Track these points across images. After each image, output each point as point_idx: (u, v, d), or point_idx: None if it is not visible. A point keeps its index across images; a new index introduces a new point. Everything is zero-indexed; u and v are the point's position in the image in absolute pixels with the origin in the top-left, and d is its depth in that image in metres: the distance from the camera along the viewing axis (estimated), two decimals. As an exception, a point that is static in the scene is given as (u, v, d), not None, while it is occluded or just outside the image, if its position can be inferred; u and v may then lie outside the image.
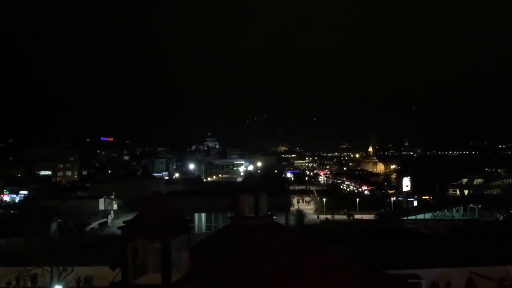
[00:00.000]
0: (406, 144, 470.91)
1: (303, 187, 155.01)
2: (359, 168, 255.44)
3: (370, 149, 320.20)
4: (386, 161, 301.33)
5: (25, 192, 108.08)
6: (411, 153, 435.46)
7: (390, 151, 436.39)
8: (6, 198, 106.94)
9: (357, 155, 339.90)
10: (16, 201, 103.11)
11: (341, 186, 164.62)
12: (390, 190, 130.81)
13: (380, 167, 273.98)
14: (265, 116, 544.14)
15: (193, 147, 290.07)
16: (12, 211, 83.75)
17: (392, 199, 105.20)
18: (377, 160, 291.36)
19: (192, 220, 64.79)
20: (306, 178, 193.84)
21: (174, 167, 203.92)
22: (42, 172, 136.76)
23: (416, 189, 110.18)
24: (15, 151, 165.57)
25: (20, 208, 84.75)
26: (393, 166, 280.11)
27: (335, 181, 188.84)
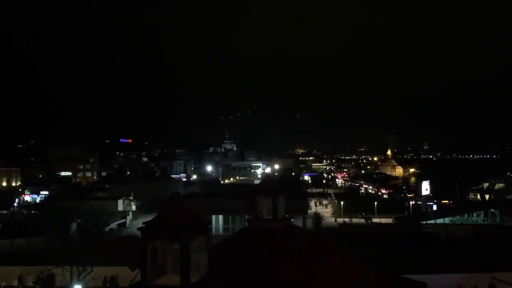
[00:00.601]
0: (426, 147, 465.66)
1: (321, 190, 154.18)
2: (377, 171, 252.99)
3: (389, 152, 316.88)
4: (405, 164, 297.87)
5: (46, 192, 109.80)
6: (431, 156, 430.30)
7: (409, 154, 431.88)
8: (28, 198, 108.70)
9: (375, 158, 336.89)
10: (37, 201, 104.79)
11: (359, 189, 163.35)
12: (409, 194, 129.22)
13: (399, 171, 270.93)
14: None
15: (211, 149, 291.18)
16: (33, 211, 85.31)
17: (411, 203, 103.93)
18: (395, 163, 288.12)
19: (210, 222, 65.00)
20: (324, 181, 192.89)
21: (192, 168, 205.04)
22: (63, 173, 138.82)
23: (435, 193, 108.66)
24: (37, 152, 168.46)
25: (41, 208, 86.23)
26: (412, 170, 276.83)
27: (353, 184, 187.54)
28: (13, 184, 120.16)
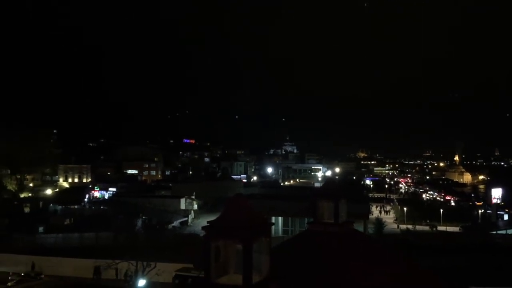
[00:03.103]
0: (497, 153, 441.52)
1: (383, 195, 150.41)
2: (443, 177, 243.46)
3: (456, 157, 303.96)
4: (473, 171, 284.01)
5: (114, 189, 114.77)
6: (502, 163, 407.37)
7: (479, 160, 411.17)
8: (97, 194, 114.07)
9: (441, 164, 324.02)
10: (106, 197, 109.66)
11: (424, 196, 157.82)
12: (477, 202, 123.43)
13: (467, 177, 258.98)
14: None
15: (271, 151, 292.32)
16: (101, 207, 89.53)
17: (479, 211, 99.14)
18: (463, 170, 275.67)
19: (273, 223, 65.22)
20: (386, 186, 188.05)
21: (252, 170, 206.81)
22: (129, 171, 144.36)
23: (507, 201, 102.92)
24: (106, 150, 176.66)
25: (109, 204, 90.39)
26: (481, 177, 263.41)
27: (417, 190, 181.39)
28: (84, 180, 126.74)
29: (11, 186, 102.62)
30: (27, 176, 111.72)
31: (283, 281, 10.94)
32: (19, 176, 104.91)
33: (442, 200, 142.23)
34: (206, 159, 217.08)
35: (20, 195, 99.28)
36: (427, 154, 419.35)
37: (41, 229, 66.79)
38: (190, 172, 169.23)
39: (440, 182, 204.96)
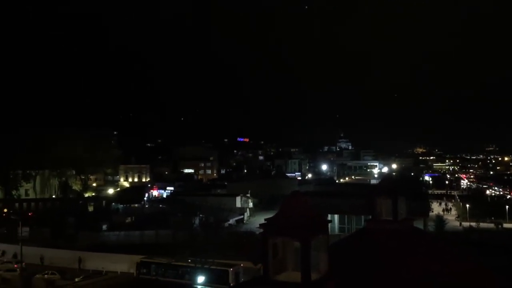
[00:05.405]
0: None
1: (443, 191, 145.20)
2: (508, 172, 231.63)
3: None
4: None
5: (171, 188, 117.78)
6: None
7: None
8: (156, 193, 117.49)
9: (506, 158, 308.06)
10: (164, 196, 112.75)
11: (487, 192, 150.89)
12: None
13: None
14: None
15: (325, 148, 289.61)
16: (160, 205, 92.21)
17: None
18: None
19: (330, 220, 64.64)
20: (446, 182, 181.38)
21: (307, 167, 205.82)
22: (186, 170, 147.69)
23: None
24: (164, 150, 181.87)
25: (167, 203, 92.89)
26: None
27: (480, 185, 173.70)
28: (143, 180, 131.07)
29: (76, 186, 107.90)
30: (91, 177, 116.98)
31: (342, 279, 10.84)
32: (83, 177, 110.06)
33: (508, 196, 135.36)
34: (260, 157, 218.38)
35: (84, 194, 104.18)
36: (490, 148, 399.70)
37: (104, 227, 69.66)
38: (245, 171, 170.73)
39: (505, 177, 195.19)
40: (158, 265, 42.39)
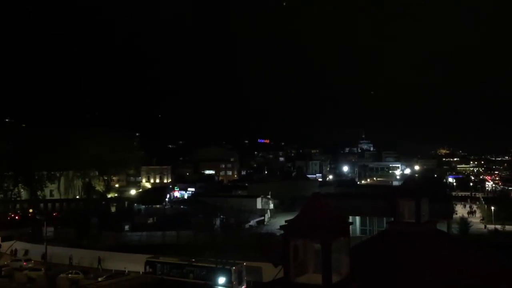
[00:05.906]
0: None
1: (467, 193, 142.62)
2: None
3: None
4: None
5: (193, 189, 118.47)
6: None
7: None
8: (177, 194, 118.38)
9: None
10: (185, 197, 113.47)
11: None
12: None
13: None
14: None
15: (347, 149, 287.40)
16: (181, 206, 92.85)
17: None
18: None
19: (352, 222, 64.23)
20: (471, 184, 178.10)
21: (328, 169, 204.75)
22: (207, 171, 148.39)
23: None
24: (185, 152, 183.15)
25: (188, 203, 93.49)
26: None
27: (506, 187, 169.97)
28: (165, 181, 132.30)
29: (99, 187, 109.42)
30: (113, 177, 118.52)
31: (363, 282, 10.76)
32: (106, 178, 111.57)
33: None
34: (281, 159, 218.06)
35: (107, 195, 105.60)
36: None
37: (126, 227, 70.41)
38: (265, 172, 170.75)
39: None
40: (164, 264, 42.97)
